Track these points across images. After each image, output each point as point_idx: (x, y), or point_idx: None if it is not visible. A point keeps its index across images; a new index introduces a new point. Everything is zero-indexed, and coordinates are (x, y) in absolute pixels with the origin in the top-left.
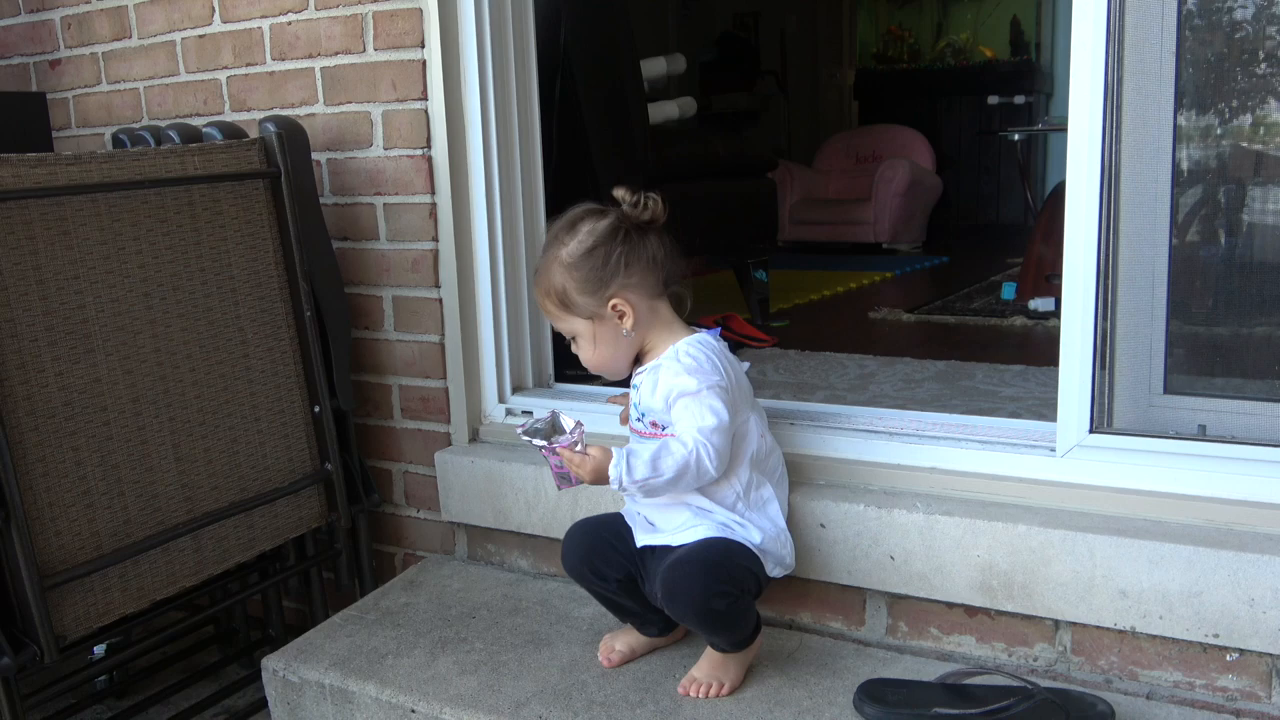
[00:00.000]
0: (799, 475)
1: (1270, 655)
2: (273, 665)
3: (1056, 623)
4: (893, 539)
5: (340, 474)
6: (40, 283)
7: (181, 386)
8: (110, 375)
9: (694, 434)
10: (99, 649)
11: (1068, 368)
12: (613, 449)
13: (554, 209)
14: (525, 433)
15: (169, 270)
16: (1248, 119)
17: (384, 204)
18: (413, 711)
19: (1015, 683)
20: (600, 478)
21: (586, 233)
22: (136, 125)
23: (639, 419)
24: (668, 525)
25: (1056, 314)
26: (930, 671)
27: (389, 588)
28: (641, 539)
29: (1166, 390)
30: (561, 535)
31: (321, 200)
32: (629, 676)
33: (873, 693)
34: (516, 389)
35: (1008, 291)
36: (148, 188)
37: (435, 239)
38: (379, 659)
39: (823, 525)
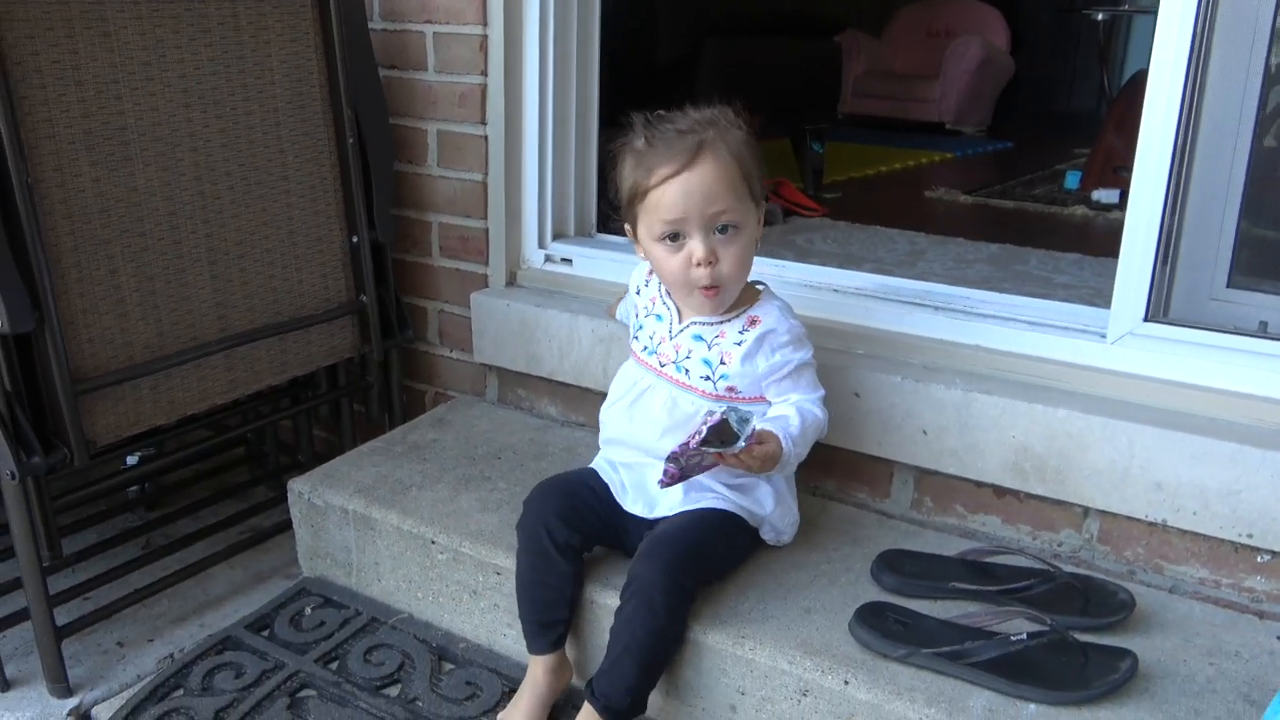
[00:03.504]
0: (840, 344)
1: None
2: (299, 488)
3: (1086, 510)
4: (928, 413)
5: (375, 307)
6: (79, 84)
7: (220, 204)
8: (148, 186)
9: (818, 401)
10: (132, 459)
11: (1129, 252)
12: (772, 430)
13: (606, 56)
14: (703, 444)
15: (210, 84)
16: None
17: (434, 33)
18: (433, 542)
19: (1036, 564)
20: (770, 466)
21: (743, 127)
22: None
23: (708, 379)
24: (672, 499)
25: (1120, 206)
26: (952, 548)
27: (417, 423)
28: (635, 508)
29: (1230, 284)
30: (592, 386)
31: (371, 26)
32: None
33: (891, 562)
34: (558, 235)
35: (1071, 180)
36: None
37: (484, 73)
38: (403, 490)
39: (857, 394)
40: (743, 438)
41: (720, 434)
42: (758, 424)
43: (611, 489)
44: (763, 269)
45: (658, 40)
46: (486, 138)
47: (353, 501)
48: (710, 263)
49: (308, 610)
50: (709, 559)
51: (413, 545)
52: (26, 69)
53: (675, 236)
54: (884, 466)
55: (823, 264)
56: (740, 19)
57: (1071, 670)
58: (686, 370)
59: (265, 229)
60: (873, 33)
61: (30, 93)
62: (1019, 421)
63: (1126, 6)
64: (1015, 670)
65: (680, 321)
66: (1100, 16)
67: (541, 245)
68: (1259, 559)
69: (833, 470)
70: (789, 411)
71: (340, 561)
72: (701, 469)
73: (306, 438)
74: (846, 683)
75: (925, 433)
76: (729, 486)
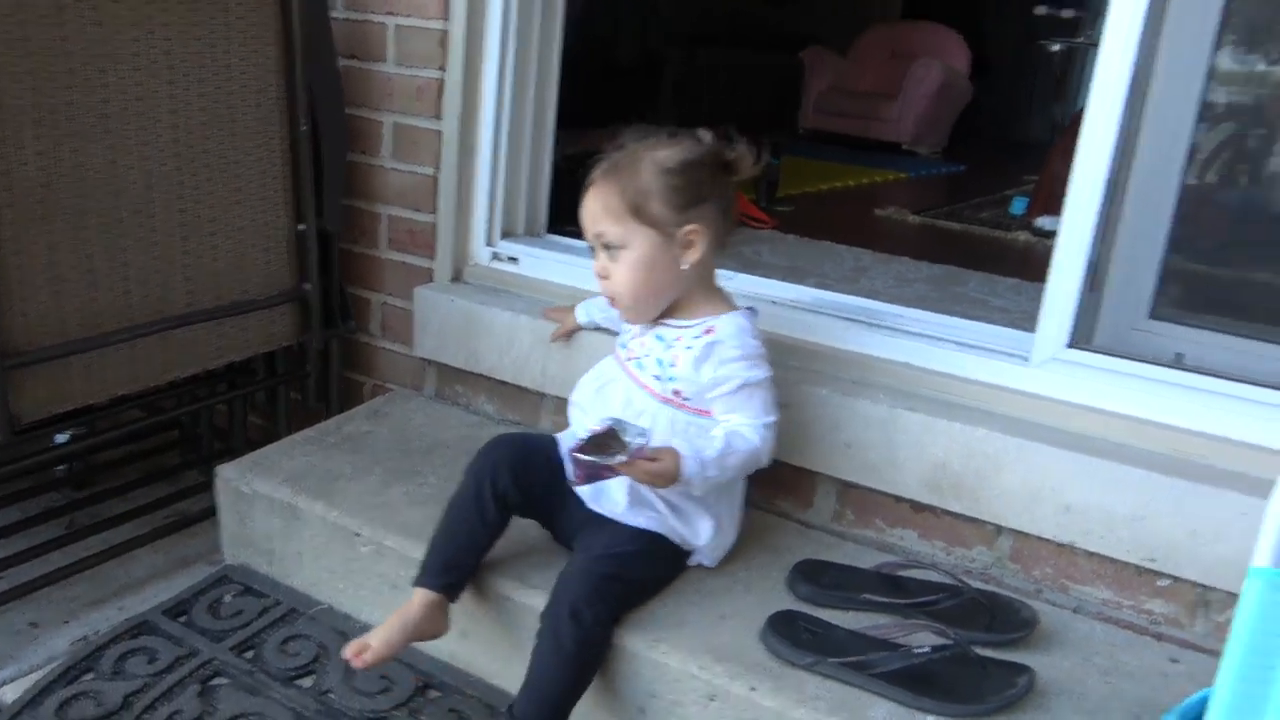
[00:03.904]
0: (772, 356)
1: (1202, 586)
2: (226, 474)
3: (999, 528)
4: (852, 427)
5: (318, 296)
6: (29, 60)
7: (166, 184)
8: (94, 164)
9: (759, 429)
10: (61, 437)
11: (1056, 280)
12: (676, 449)
13: (567, 58)
14: (582, 452)
15: (164, 63)
16: None
17: (395, 25)
18: (357, 535)
19: (947, 579)
20: (671, 481)
21: (690, 146)
22: None
23: (658, 378)
24: (616, 504)
25: None
26: (868, 559)
27: (353, 414)
28: (584, 493)
29: (1152, 316)
30: (529, 385)
31: (333, 15)
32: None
33: (807, 572)
34: (507, 234)
35: (1017, 206)
36: None
37: (443, 68)
38: (332, 481)
39: (786, 406)
40: (626, 453)
41: (599, 444)
42: (650, 441)
43: (566, 467)
44: None
45: (620, 45)
46: (441, 133)
47: (280, 490)
48: (603, 277)
49: (227, 598)
50: (631, 589)
51: (337, 537)
52: None
53: (592, 248)
54: (808, 478)
55: (768, 276)
56: (703, 30)
57: (970, 684)
58: (643, 366)
59: (211, 211)
60: (838, 50)
61: None
62: (939, 439)
63: (1082, 39)
64: (916, 682)
65: (651, 322)
66: (1056, 47)
67: (490, 243)
68: (1159, 583)
69: (758, 480)
70: (717, 434)
71: (263, 550)
72: (605, 471)
73: (241, 424)
74: (753, 689)
75: (849, 446)
76: (671, 507)
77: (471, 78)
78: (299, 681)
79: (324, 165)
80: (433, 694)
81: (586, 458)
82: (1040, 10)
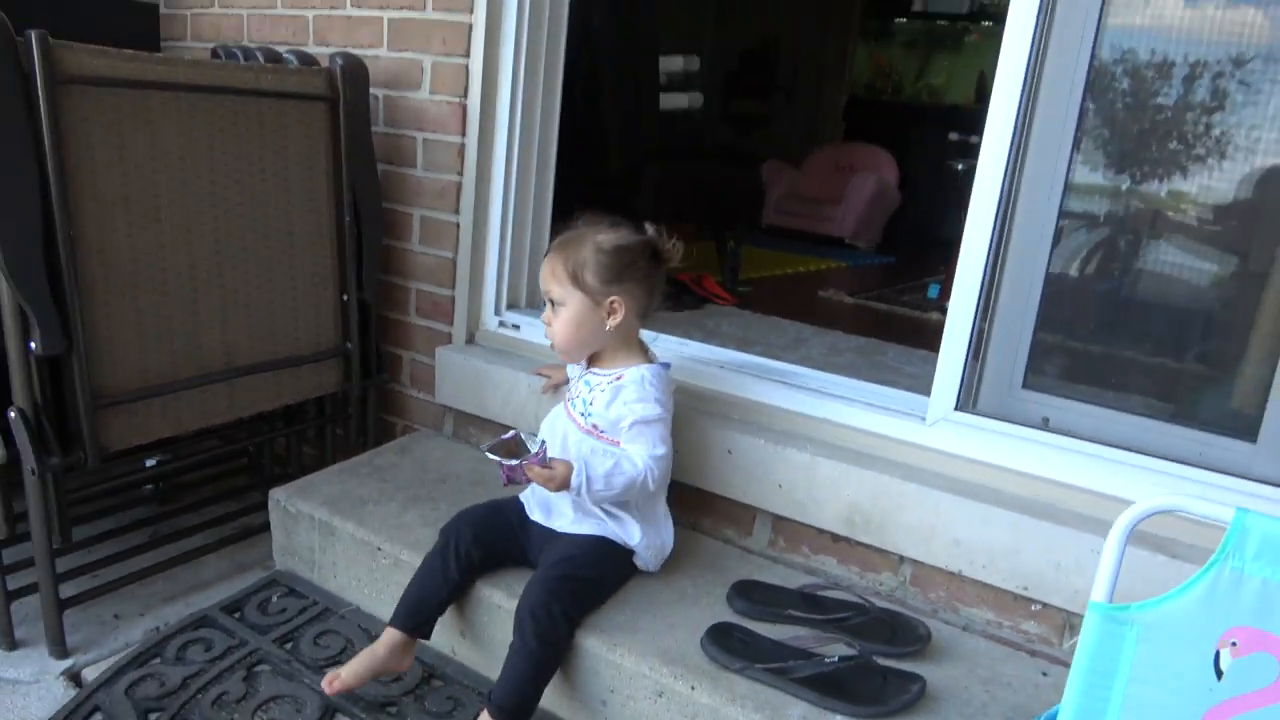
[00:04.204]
0: (719, 409)
1: (1066, 611)
2: (277, 496)
3: (901, 557)
4: (782, 470)
5: (357, 353)
6: (122, 159)
7: (233, 262)
8: (173, 243)
9: (645, 459)
10: (149, 461)
11: (947, 351)
12: (571, 461)
13: (563, 168)
14: (490, 450)
15: (234, 165)
16: (1126, 181)
17: (424, 139)
18: (379, 549)
19: (856, 599)
20: (564, 487)
21: (626, 234)
22: (234, 44)
23: (583, 415)
24: (564, 516)
25: None
26: (795, 581)
27: (383, 449)
28: (536, 516)
29: (1024, 385)
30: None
31: (375, 129)
32: None
33: (743, 590)
34: (511, 305)
35: (932, 291)
36: (222, 93)
37: (460, 173)
38: (361, 504)
39: (729, 451)
40: (522, 458)
41: (505, 448)
42: (547, 452)
43: (525, 505)
44: (668, 345)
45: (608, 158)
46: (458, 224)
47: (319, 511)
48: (548, 324)
49: (275, 598)
50: (586, 587)
51: (363, 550)
52: (79, 146)
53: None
54: (748, 511)
55: (723, 344)
56: (677, 147)
57: (873, 689)
58: (575, 405)
59: (271, 284)
60: (793, 164)
61: (80, 164)
62: (851, 482)
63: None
64: (827, 687)
65: (585, 369)
66: (960, 166)
67: (497, 312)
68: (1033, 608)
69: (710, 511)
70: (615, 454)
71: (306, 559)
72: (511, 471)
73: (297, 454)
74: (693, 688)
75: (780, 486)
76: (606, 513)
77: (483, 181)
78: (327, 669)
79: (364, 248)
80: (436, 683)
81: (494, 456)
82: (953, 136)
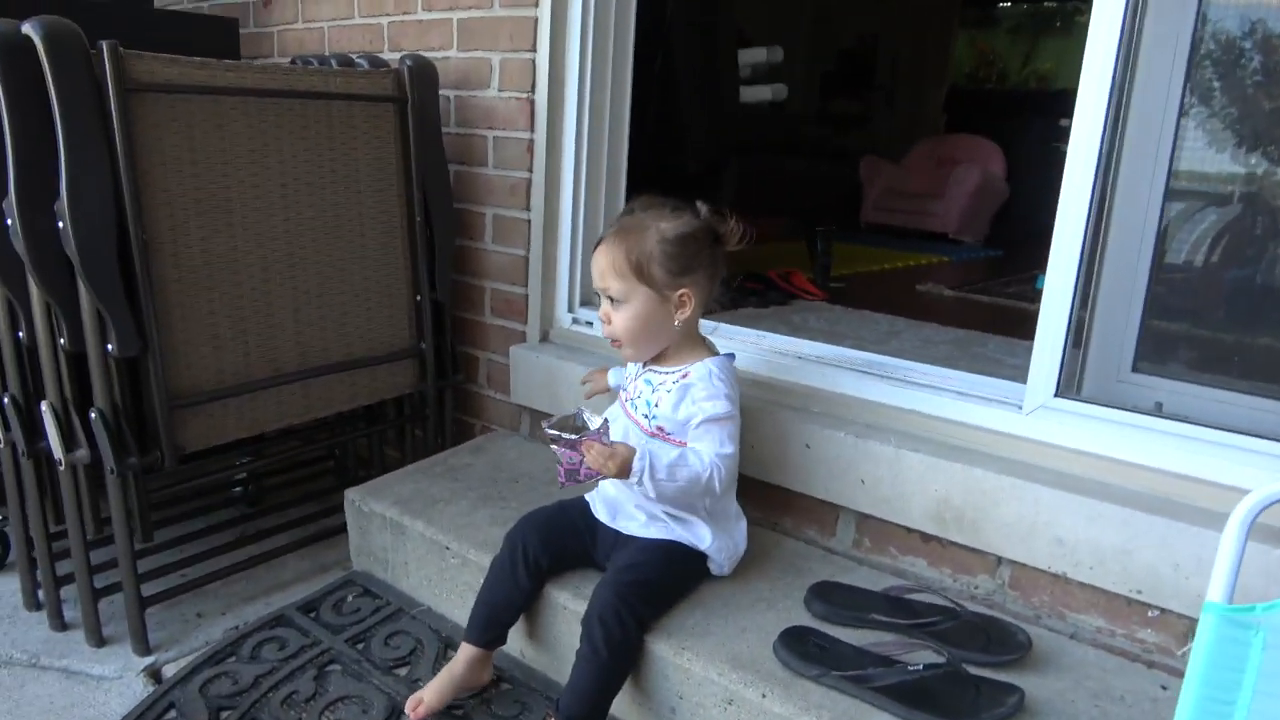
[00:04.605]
0: (798, 402)
1: (1188, 618)
2: (351, 496)
3: (999, 558)
4: (865, 466)
5: (432, 353)
6: (194, 164)
7: (305, 264)
8: (245, 246)
9: (712, 457)
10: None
11: (1043, 336)
12: (635, 446)
13: (639, 164)
14: (551, 427)
15: (304, 167)
16: (1243, 153)
17: (494, 137)
18: (447, 549)
19: (947, 603)
20: (624, 470)
21: (689, 221)
22: (313, 55)
23: (646, 416)
24: (632, 519)
25: None
26: (881, 584)
27: (458, 450)
28: (602, 517)
29: (1134, 369)
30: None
31: (446, 130)
32: None
33: (822, 592)
34: (585, 302)
35: (1040, 282)
36: (291, 97)
37: (530, 170)
38: (432, 504)
39: (808, 446)
40: (584, 434)
41: (566, 425)
42: (607, 431)
43: (590, 505)
44: (746, 338)
45: (686, 151)
46: (530, 221)
47: (390, 510)
48: (606, 321)
49: (350, 598)
50: (657, 592)
51: (433, 550)
52: (151, 151)
53: (600, 295)
54: (830, 509)
55: (811, 339)
56: (764, 141)
57: (963, 701)
58: (636, 406)
59: (343, 285)
60: (892, 159)
61: (152, 169)
62: (941, 477)
63: None
64: (912, 697)
65: (642, 368)
66: (1066, 148)
67: (570, 310)
68: (1149, 614)
69: (790, 510)
70: (680, 448)
71: (380, 559)
72: (572, 452)
73: (378, 454)
74: (764, 696)
75: (864, 482)
76: (672, 517)
77: (553, 177)
78: (396, 670)
79: (436, 249)
80: (504, 686)
81: (553, 434)
82: (1064, 123)
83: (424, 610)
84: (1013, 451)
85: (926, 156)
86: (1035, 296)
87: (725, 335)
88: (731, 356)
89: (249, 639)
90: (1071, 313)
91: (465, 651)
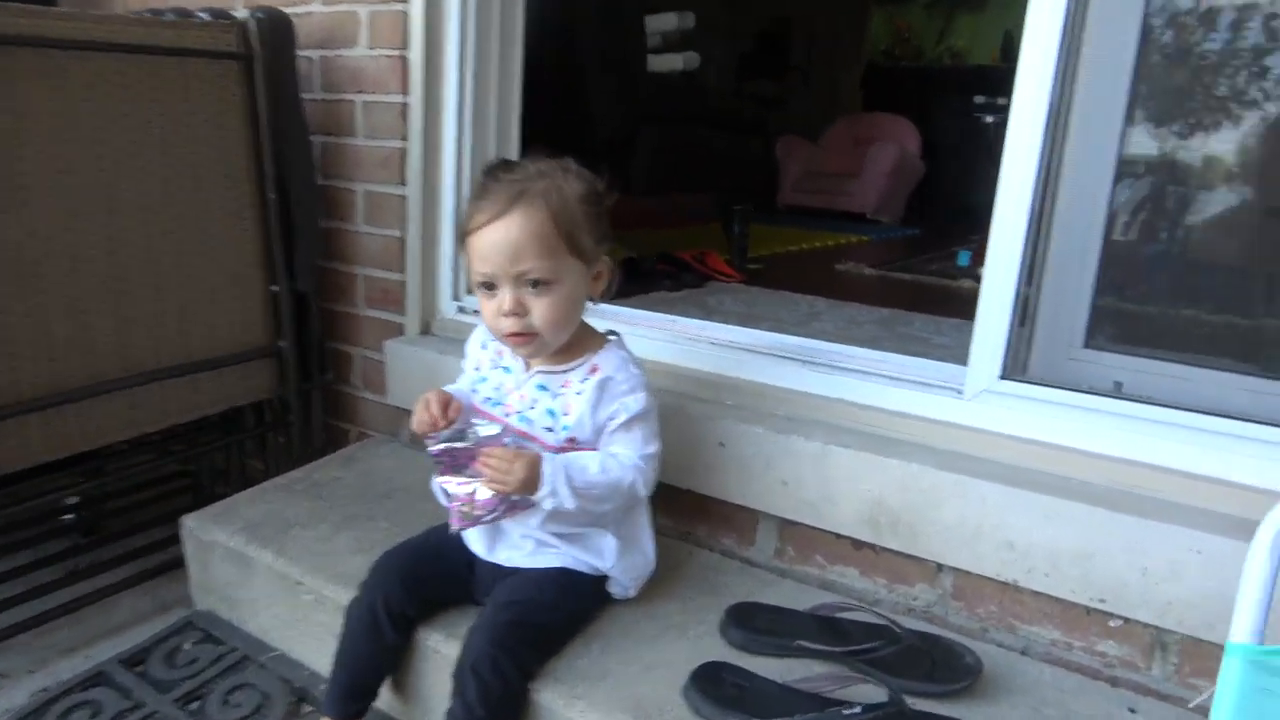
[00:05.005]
0: (710, 394)
1: (1156, 628)
2: (189, 524)
3: (940, 566)
4: (786, 464)
5: (293, 351)
6: None
7: (129, 251)
8: (48, 231)
9: (636, 459)
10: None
11: (986, 310)
12: (543, 454)
13: (534, 133)
14: (438, 444)
15: (126, 138)
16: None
17: (363, 102)
18: (299, 584)
19: (883, 622)
20: (532, 477)
21: (590, 178)
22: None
23: (550, 430)
24: (515, 548)
25: None
26: (809, 599)
27: (326, 461)
28: (477, 549)
29: (1087, 344)
30: None
31: (311, 96)
32: None
33: (740, 616)
34: (470, 290)
35: (962, 259)
36: (105, 50)
37: (404, 138)
38: (286, 528)
39: (722, 444)
40: (477, 440)
41: (461, 435)
42: (508, 435)
43: (464, 535)
44: (653, 323)
45: (592, 121)
46: (406, 198)
47: (234, 539)
48: (517, 313)
49: (187, 645)
50: (545, 634)
51: (283, 585)
52: None
53: (490, 285)
54: (749, 515)
55: (726, 322)
56: (677, 111)
57: None
58: (530, 420)
59: (179, 275)
60: (810, 139)
61: None
62: (874, 475)
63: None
64: None
65: (526, 371)
66: (989, 119)
67: (455, 298)
68: (1111, 624)
69: (704, 517)
70: (595, 453)
71: (224, 597)
72: (464, 479)
73: (238, 469)
74: None
75: (785, 483)
76: (563, 538)
77: (432, 147)
78: None
79: (295, 231)
80: None
81: (438, 447)
82: (978, 99)
83: (275, 657)
84: (954, 443)
85: (844, 136)
86: (959, 273)
87: (628, 321)
88: (619, 335)
89: (55, 705)
90: (1019, 284)
91: None
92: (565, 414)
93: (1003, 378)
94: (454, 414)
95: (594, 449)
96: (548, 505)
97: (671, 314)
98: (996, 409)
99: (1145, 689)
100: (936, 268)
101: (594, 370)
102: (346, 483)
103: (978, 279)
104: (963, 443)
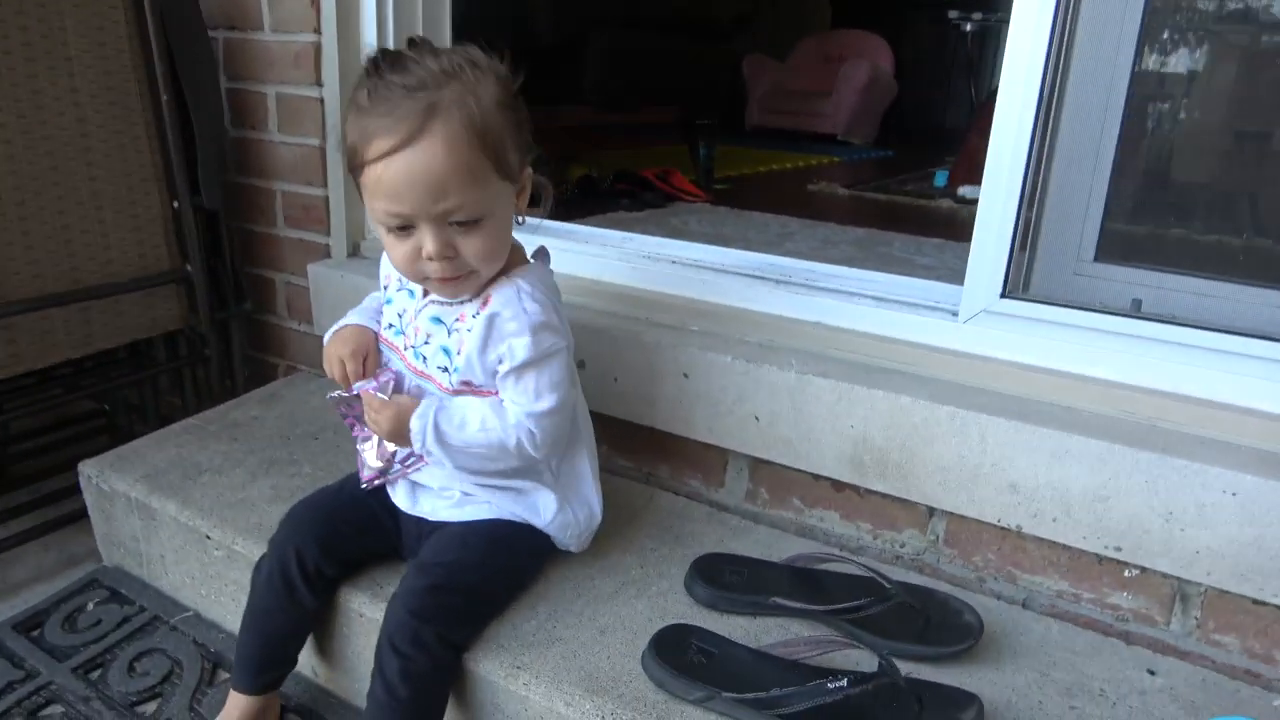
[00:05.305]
0: (674, 319)
1: (1178, 579)
2: (87, 471)
3: (931, 510)
4: (759, 398)
5: (203, 277)
6: None
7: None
8: None
9: (522, 416)
10: None
11: (987, 216)
12: (424, 400)
13: (468, 29)
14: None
15: None
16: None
17: None
18: (208, 537)
19: (868, 574)
20: (400, 430)
21: (501, 69)
22: None
23: (446, 370)
24: (439, 498)
25: None
26: (785, 548)
27: (246, 399)
28: (400, 501)
29: (1098, 257)
30: None
31: None
32: None
33: (707, 570)
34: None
35: (940, 179)
36: None
37: (318, 30)
38: (195, 475)
39: (686, 375)
40: (358, 386)
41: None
42: (394, 384)
43: (388, 485)
44: (608, 241)
45: (532, 20)
46: (323, 100)
47: (136, 488)
48: (447, 256)
49: (90, 605)
50: (477, 598)
51: (190, 539)
52: None
53: (403, 227)
54: (718, 454)
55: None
56: (631, 13)
57: None
58: (424, 358)
59: (57, 190)
60: (777, 58)
61: None
62: (857, 409)
63: (994, 19)
64: None
65: (423, 298)
66: (969, 27)
67: None
68: (1126, 574)
69: (666, 456)
70: (482, 404)
71: (132, 551)
72: (358, 410)
73: (154, 407)
74: None
75: (758, 419)
76: (494, 489)
77: (348, 39)
78: (141, 707)
79: (196, 140)
80: (290, 718)
81: (331, 394)
82: (953, 15)
83: (188, 618)
84: (949, 371)
85: (813, 53)
86: (936, 194)
87: (581, 240)
88: (545, 257)
89: None
90: (1025, 184)
91: (236, 703)
92: (458, 353)
93: (1004, 295)
94: (372, 367)
95: (494, 391)
96: (418, 448)
97: (630, 233)
98: (997, 331)
99: (1162, 645)
100: (913, 188)
101: (486, 303)
102: (267, 423)
103: (957, 199)
104: (959, 371)
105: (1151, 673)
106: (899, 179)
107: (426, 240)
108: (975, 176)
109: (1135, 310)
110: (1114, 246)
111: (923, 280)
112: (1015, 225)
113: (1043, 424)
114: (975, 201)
